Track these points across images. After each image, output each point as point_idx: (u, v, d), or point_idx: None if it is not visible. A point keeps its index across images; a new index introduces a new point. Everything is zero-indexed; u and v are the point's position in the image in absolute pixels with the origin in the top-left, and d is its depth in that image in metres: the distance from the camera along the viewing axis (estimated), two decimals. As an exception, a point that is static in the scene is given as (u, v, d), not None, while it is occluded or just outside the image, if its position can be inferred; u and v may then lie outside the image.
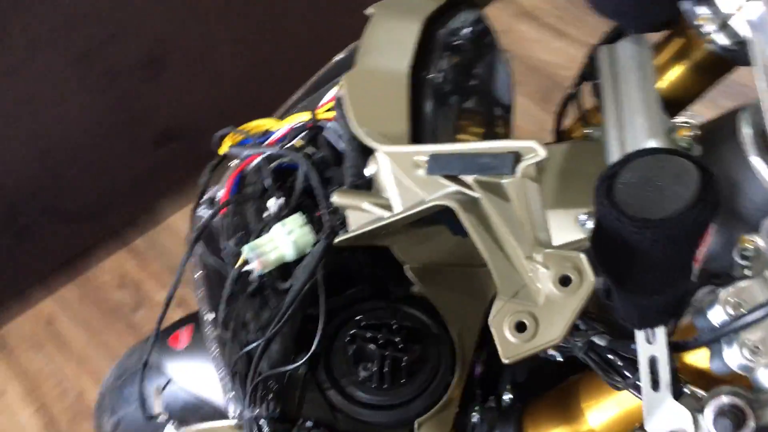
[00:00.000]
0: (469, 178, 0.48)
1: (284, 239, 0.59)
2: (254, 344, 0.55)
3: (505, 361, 0.43)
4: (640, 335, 0.46)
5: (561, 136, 0.73)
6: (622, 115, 0.57)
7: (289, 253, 0.59)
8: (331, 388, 0.57)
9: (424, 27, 0.60)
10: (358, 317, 0.59)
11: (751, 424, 0.43)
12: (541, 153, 0.45)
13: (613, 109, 0.58)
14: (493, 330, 0.44)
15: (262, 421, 0.54)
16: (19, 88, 1.53)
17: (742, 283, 0.43)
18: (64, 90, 1.60)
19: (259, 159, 0.65)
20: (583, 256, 0.42)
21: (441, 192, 0.50)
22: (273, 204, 0.63)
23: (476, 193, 0.47)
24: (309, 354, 0.55)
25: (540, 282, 0.43)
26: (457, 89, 0.61)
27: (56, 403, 1.65)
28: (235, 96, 1.73)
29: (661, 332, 0.46)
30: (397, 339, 0.56)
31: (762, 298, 0.42)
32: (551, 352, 0.51)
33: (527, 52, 2.12)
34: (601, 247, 0.44)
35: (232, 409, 0.57)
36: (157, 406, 0.81)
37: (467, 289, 0.60)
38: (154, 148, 1.78)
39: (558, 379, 0.57)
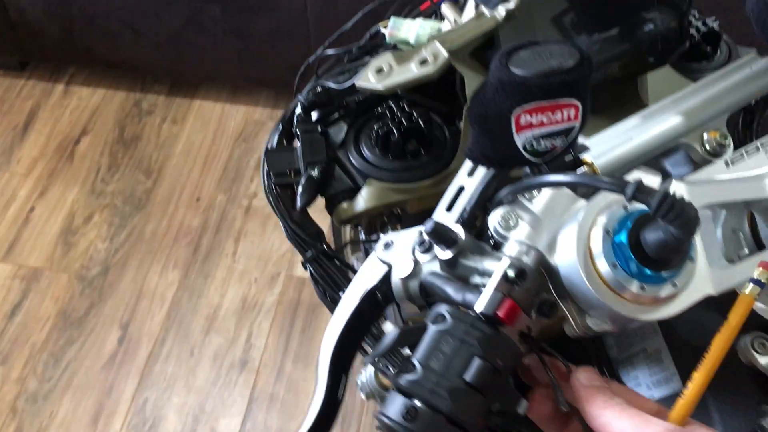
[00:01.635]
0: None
1: (414, 29, 0.77)
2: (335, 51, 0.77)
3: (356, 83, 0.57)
4: (466, 165, 0.55)
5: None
6: None
7: (411, 38, 0.76)
8: (353, 129, 0.74)
9: None
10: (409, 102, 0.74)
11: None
12: (513, 4, 0.55)
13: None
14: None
15: (300, 107, 0.75)
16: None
17: None
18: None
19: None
20: (445, 53, 0.53)
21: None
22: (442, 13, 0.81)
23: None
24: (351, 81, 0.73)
25: (415, 55, 0.54)
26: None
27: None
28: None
29: (481, 172, 0.54)
30: (406, 125, 0.70)
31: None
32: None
33: None
34: (480, 98, 0.53)
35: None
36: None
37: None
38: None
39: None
